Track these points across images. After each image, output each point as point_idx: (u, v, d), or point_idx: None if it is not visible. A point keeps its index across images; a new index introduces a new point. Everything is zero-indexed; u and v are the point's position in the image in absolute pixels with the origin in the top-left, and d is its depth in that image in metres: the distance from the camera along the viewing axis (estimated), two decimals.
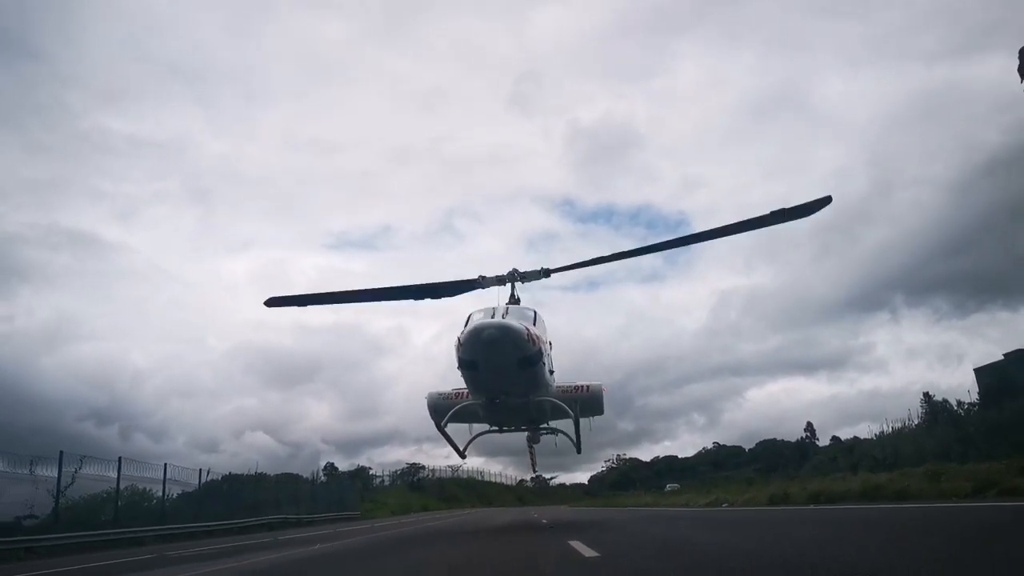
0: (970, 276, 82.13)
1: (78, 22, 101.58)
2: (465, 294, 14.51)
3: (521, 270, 14.54)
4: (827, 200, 12.33)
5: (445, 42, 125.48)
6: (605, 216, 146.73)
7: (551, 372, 13.68)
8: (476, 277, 14.36)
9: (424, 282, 14.53)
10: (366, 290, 15.27)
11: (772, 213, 12.22)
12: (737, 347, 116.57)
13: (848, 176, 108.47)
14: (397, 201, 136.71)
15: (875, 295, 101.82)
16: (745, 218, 12.82)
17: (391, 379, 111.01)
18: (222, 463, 71.19)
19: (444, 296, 14.64)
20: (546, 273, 14.69)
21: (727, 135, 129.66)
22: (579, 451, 17.56)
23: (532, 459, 20.97)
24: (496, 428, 16.67)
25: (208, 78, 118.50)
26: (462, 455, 16.68)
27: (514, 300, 14.58)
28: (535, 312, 13.39)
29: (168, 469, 26.28)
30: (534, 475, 26.20)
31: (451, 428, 16.15)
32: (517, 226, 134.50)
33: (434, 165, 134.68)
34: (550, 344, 14.43)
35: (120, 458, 23.40)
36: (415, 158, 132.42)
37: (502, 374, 11.89)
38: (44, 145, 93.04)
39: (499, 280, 14.50)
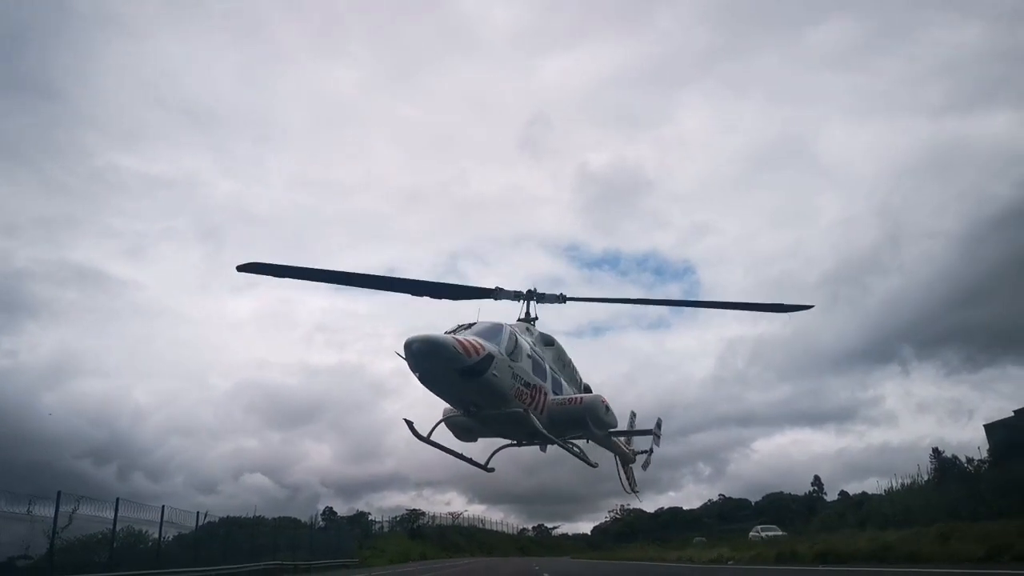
0: (981, 330, 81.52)
1: (96, 64, 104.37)
2: (479, 303, 14.53)
3: (540, 290, 14.96)
4: (809, 306, 15.35)
5: (454, 88, 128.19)
6: (611, 262, 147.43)
7: (528, 385, 13.25)
8: (493, 287, 14.63)
9: (437, 280, 14.57)
10: (371, 276, 14.91)
11: (770, 304, 15.02)
12: (744, 397, 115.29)
13: (856, 227, 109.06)
14: (403, 243, 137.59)
15: (884, 347, 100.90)
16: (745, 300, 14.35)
17: (393, 422, 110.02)
18: (220, 504, 70.48)
19: (454, 298, 14.52)
20: (563, 299, 15.14)
21: (734, 183, 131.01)
22: (592, 464, 17.05)
23: (623, 480, 20.29)
24: (515, 443, 15.87)
25: (221, 120, 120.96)
26: (486, 468, 15.87)
27: (528, 318, 15.00)
28: (508, 328, 13.20)
29: (165, 511, 25.93)
30: (632, 493, 23.60)
31: (476, 445, 15.53)
32: (522, 270, 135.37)
33: (441, 208, 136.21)
34: (542, 360, 14.27)
35: (118, 499, 23.15)
36: (422, 201, 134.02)
37: (446, 385, 12.06)
38: (57, 182, 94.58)
39: (516, 295, 14.85)
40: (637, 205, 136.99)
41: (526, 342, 13.76)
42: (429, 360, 11.37)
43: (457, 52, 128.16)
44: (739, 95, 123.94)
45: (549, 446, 16.01)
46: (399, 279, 14.71)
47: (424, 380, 11.98)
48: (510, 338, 12.91)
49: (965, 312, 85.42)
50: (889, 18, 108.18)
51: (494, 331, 12.78)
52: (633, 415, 21.05)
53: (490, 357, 11.86)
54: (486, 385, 12.04)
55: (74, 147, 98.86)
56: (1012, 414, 39.48)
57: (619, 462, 19.85)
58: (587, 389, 16.57)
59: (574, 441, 15.99)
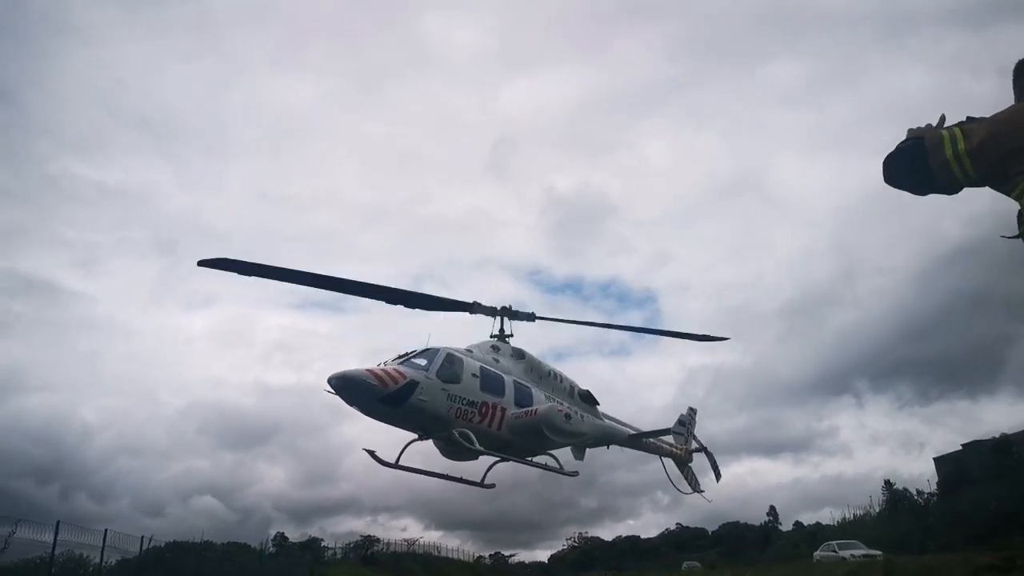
0: (932, 365, 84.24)
1: (52, 70, 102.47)
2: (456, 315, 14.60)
3: (514, 308, 15.06)
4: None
5: (417, 107, 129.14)
6: (575, 287, 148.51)
7: (473, 404, 13.14)
8: (471, 302, 14.58)
9: (414, 290, 14.22)
10: (346, 280, 13.63)
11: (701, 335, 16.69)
12: (703, 425, 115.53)
13: (812, 260, 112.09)
14: (363, 262, 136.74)
15: (840, 379, 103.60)
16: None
17: (349, 445, 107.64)
18: (167, 528, 67.70)
19: (430, 308, 14.38)
20: (532, 317, 15.27)
21: (695, 212, 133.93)
22: (570, 474, 16.63)
23: (674, 481, 19.93)
24: (502, 458, 14.50)
25: (179, 132, 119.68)
26: (484, 485, 14.49)
27: (501, 335, 15.04)
28: (444, 352, 13.04)
29: (108, 535, 24.93)
30: (697, 493, 21.23)
31: (474, 464, 14.58)
32: (484, 293, 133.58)
33: (404, 228, 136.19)
34: (500, 375, 14.07)
35: (58, 522, 22.21)
36: (383, 219, 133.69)
37: (380, 414, 12.46)
38: (6, 188, 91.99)
39: (491, 311, 14.91)
40: (601, 231, 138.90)
41: (477, 360, 13.66)
42: (349, 393, 11.92)
43: (420, 71, 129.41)
44: (698, 126, 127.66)
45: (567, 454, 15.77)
46: (375, 285, 13.84)
47: (362, 412, 12.36)
48: (445, 360, 12.93)
49: (917, 347, 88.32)
50: (838, 60, 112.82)
51: (426, 357, 12.88)
52: (691, 411, 21.00)
53: (413, 383, 12.10)
54: (415, 410, 12.25)
55: (25, 153, 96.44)
56: (960, 448, 40.73)
57: (667, 465, 19.50)
58: (586, 396, 16.31)
59: (550, 454, 15.18)
